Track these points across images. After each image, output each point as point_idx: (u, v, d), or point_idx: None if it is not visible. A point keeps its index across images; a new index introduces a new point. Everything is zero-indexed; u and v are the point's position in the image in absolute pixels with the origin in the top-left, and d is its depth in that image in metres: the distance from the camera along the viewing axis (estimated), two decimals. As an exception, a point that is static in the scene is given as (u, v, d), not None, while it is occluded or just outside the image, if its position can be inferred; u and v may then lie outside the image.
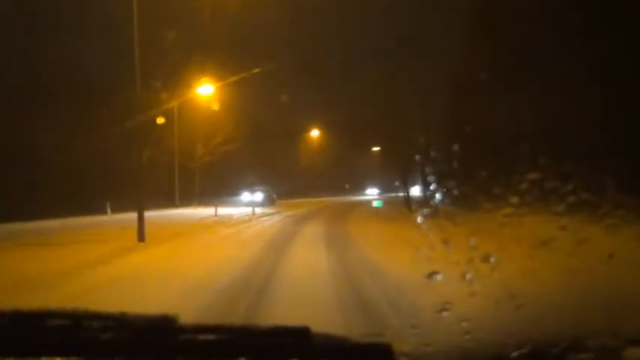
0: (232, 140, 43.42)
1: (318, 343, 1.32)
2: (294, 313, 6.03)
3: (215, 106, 37.06)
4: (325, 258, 11.70)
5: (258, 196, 40.55)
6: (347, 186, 72.11)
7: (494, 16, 14.93)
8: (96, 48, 30.38)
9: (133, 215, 16.57)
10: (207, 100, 35.51)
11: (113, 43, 28.22)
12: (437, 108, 17.38)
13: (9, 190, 25.62)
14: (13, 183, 26.56)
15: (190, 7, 31.52)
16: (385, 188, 65.99)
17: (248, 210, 30.10)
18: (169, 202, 38.34)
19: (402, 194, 46.76)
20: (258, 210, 31.02)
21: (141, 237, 15.46)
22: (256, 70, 27.86)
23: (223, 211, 29.14)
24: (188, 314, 1.51)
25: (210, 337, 1.31)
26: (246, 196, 40.73)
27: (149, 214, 17.65)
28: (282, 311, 6.35)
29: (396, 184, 47.41)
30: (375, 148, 56.43)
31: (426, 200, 15.21)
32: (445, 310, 3.77)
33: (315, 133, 60.45)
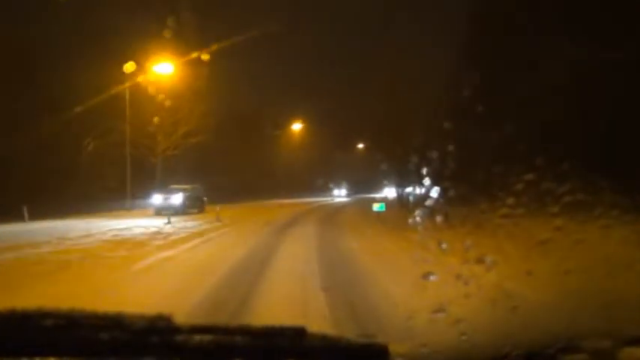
0: (200, 131, 36.66)
1: (314, 343, 1.32)
2: None
3: (178, 89, 31.56)
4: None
5: (176, 198, 27.09)
6: (331, 185, 64.03)
7: (491, 15, 14.99)
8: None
9: (53, 224, 13.99)
10: (171, 82, 30.74)
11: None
12: (434, 108, 17.43)
13: None
14: None
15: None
16: (355, 189, 60.58)
17: (159, 223, 19.41)
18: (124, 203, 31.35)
19: (376, 195, 46.83)
20: (177, 220, 20.72)
21: None
22: (236, 39, 23.07)
23: (125, 223, 19.21)
24: None
25: (206, 337, 1.31)
26: (157, 198, 27.46)
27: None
28: None
29: (385, 182, 45.87)
30: (360, 146, 53.69)
31: (420, 201, 15.24)
32: (441, 310, 3.78)
33: (297, 126, 53.23)
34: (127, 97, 29.30)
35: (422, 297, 4.64)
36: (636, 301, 3.34)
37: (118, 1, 29.92)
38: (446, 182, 12.11)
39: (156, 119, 32.90)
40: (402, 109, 24.84)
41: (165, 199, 27.10)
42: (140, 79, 26.64)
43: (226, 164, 45.68)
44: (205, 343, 1.30)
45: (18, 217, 21.84)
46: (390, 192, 55.18)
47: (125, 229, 17.08)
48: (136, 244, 12.88)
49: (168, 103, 31.61)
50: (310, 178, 55.53)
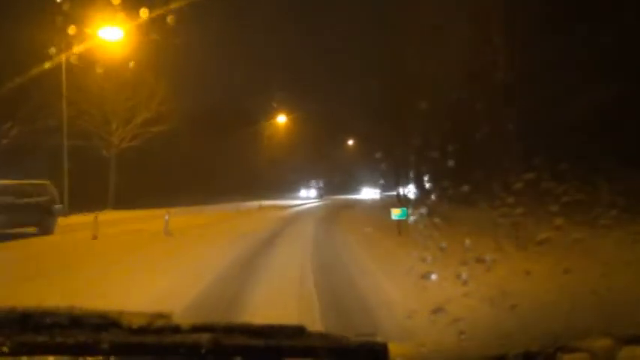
0: (163, 120, 29.54)
1: (313, 342, 1.32)
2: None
3: (131, 63, 24.58)
4: None
5: None
6: (321, 185, 58.20)
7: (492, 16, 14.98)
8: None
9: None
10: (125, 55, 23.62)
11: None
12: (433, 108, 17.37)
13: None
14: None
15: None
16: (331, 189, 53.90)
17: None
18: (74, 206, 22.48)
19: (354, 196, 45.40)
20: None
21: None
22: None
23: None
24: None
25: (205, 335, 1.32)
26: None
27: None
28: None
29: (381, 182, 43.24)
30: (350, 142, 50.32)
31: (418, 202, 15.23)
32: (440, 310, 3.78)
33: (281, 119, 44.55)
34: (64, 66, 21.98)
35: (422, 296, 4.65)
36: (635, 300, 3.34)
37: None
38: (445, 181, 12.12)
39: (105, 105, 26.48)
40: (402, 104, 24.31)
41: None
42: (81, 47, 18.77)
43: (196, 161, 38.61)
44: (205, 342, 1.30)
45: None
46: (370, 193, 49.88)
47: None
48: None
49: (121, 81, 25.59)
50: (283, 177, 47.28)
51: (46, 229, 14.86)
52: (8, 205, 13.54)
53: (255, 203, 30.18)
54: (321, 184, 46.67)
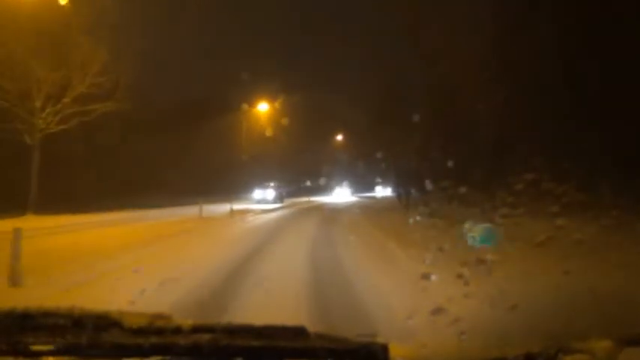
0: (104, 95, 21.96)
1: (314, 342, 1.32)
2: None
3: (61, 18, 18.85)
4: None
5: None
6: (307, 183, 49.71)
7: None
8: None
9: None
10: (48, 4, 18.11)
11: None
12: (434, 107, 17.31)
13: None
14: None
15: None
16: (305, 191, 44.25)
17: None
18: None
19: (319, 199, 37.64)
20: None
21: None
22: None
23: None
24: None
25: (206, 336, 1.32)
26: None
27: None
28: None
29: (378, 180, 41.20)
30: (339, 137, 46.67)
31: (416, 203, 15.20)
32: (441, 310, 3.78)
33: (263, 107, 34.74)
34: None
35: (423, 296, 4.64)
36: (636, 301, 3.34)
37: None
38: (447, 181, 12.12)
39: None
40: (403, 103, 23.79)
41: None
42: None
43: (157, 155, 30.30)
44: (205, 343, 1.30)
45: None
46: (343, 194, 46.01)
47: None
48: None
49: (45, 42, 19.08)
50: (262, 175, 37.08)
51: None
52: None
53: (226, 207, 20.90)
54: (279, 185, 34.29)
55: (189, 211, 20.02)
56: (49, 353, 1.29)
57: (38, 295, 5.55)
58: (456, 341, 2.17)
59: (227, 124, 33.72)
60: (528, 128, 10.88)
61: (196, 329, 1.34)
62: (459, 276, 5.31)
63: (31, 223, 15.19)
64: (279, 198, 33.16)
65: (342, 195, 46.37)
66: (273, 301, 5.07)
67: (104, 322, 1.35)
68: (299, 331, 1.34)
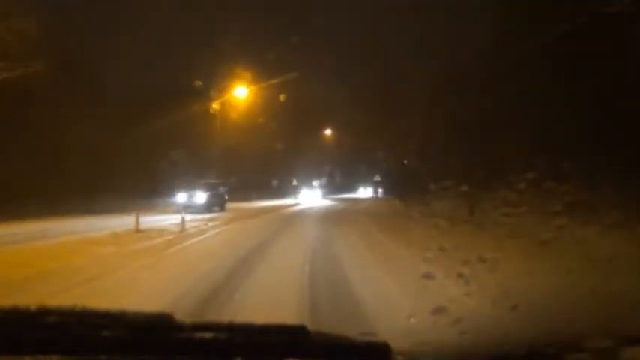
0: (23, 57, 15.64)
1: (315, 341, 1.32)
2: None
3: None
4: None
5: None
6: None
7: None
8: None
9: None
10: None
11: None
12: (434, 105, 17.18)
13: None
14: None
15: None
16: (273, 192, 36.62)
17: None
18: None
19: (281, 202, 30.03)
20: None
21: None
22: None
23: None
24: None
25: (207, 334, 1.32)
26: None
27: None
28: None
29: (377, 178, 36.73)
30: (328, 132, 42.23)
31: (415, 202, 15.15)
32: (442, 309, 3.78)
33: (240, 92, 28.44)
34: None
35: (424, 296, 4.64)
36: (637, 300, 3.34)
37: None
38: (448, 181, 12.12)
39: None
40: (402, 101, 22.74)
41: None
42: None
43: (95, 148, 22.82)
44: (206, 341, 1.30)
45: None
46: (312, 195, 38.26)
47: None
48: None
49: None
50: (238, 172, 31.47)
51: None
52: None
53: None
54: (217, 184, 24.56)
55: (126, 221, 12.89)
56: (51, 351, 1.29)
57: None
58: (457, 339, 2.17)
59: (201, 113, 26.67)
60: (531, 128, 10.87)
61: (197, 327, 1.34)
62: (460, 275, 5.31)
63: None
64: (216, 204, 22.00)
65: (311, 197, 38.32)
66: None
67: (106, 320, 1.35)
68: (299, 330, 1.34)
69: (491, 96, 12.06)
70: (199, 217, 16.28)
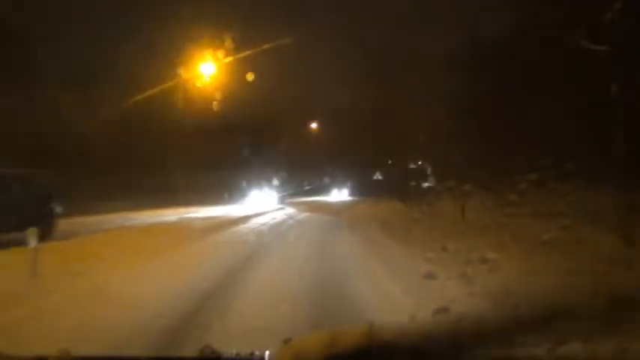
0: None
1: None
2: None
3: None
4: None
5: None
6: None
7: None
8: None
9: None
10: None
11: None
12: (435, 105, 16.91)
13: None
14: None
15: None
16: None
17: None
18: None
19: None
20: None
21: None
22: None
23: None
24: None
25: None
26: None
27: None
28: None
29: (378, 176, 30.69)
30: (314, 125, 34.06)
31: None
32: (444, 309, 3.76)
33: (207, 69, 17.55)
34: None
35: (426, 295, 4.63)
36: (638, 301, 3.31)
37: None
38: (450, 180, 12.09)
39: None
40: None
41: None
42: None
43: None
44: None
45: None
46: (265, 196, 29.10)
47: None
48: None
49: None
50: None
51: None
52: None
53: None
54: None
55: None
56: None
57: None
58: (458, 340, 2.15)
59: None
60: (533, 128, 10.83)
61: None
62: (463, 275, 5.30)
63: None
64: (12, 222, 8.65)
65: (263, 202, 28.35)
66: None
67: None
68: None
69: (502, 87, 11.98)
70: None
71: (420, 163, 23.83)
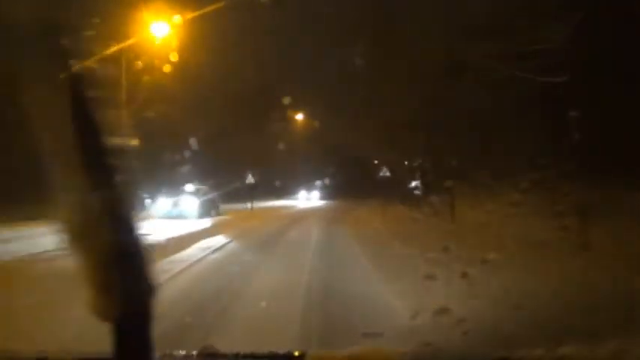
0: None
1: None
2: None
3: None
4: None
5: None
6: None
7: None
8: None
9: None
10: None
11: None
12: (434, 104, 16.73)
13: None
14: None
15: None
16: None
17: None
18: None
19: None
20: None
21: None
22: None
23: None
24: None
25: None
26: None
27: None
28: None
29: (384, 172, 27.92)
30: (300, 116, 29.31)
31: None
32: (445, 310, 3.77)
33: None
34: None
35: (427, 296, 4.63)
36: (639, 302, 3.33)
37: None
38: (450, 180, 12.07)
39: None
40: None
41: None
42: None
43: None
44: None
45: None
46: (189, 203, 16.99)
47: None
48: None
49: None
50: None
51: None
52: None
53: None
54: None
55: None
56: None
57: None
58: (459, 340, 2.17)
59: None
60: (535, 127, 10.81)
61: None
62: (463, 275, 5.29)
63: None
64: None
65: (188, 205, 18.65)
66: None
67: None
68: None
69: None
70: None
71: (416, 163, 23.69)
